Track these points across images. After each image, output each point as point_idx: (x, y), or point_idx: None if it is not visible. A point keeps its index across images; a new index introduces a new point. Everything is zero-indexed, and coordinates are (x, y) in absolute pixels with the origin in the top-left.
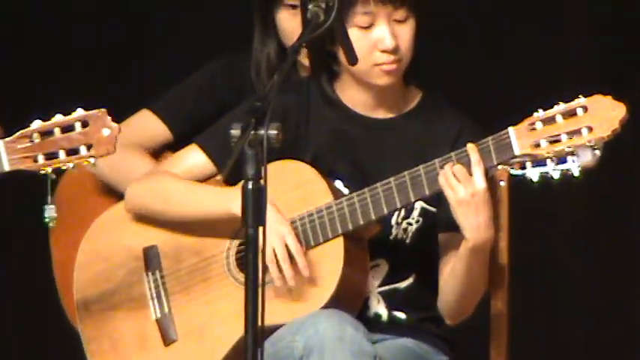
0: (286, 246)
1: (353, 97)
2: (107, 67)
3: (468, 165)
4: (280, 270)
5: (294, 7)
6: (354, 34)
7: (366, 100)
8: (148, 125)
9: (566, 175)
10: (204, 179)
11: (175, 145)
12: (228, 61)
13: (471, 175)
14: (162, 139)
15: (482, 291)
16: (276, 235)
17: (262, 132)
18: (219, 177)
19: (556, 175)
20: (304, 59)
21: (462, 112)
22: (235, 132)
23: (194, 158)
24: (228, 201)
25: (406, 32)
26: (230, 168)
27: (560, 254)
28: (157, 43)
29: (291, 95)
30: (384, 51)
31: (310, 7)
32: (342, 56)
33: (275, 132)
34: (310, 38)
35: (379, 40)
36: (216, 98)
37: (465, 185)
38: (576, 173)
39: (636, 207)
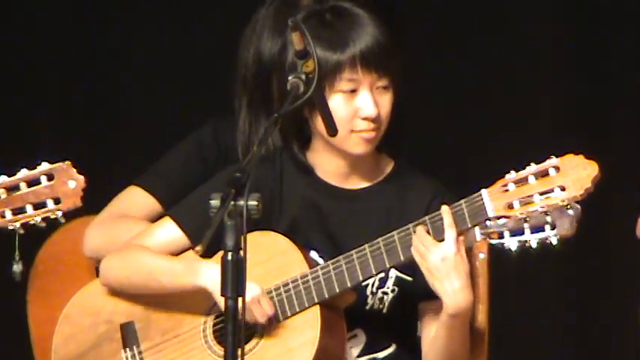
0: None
1: (325, 166)
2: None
3: (442, 229)
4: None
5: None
6: (337, 99)
7: (338, 170)
8: (137, 200)
9: (544, 245)
10: (180, 252)
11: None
12: (213, 128)
13: (442, 240)
14: (154, 213)
15: (466, 358)
16: (250, 296)
17: (242, 203)
18: (198, 248)
19: (534, 245)
20: None
21: (433, 179)
22: (215, 202)
23: (168, 232)
24: (194, 274)
25: (386, 101)
26: (208, 240)
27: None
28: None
29: (264, 167)
30: (365, 118)
31: (290, 78)
32: (320, 127)
33: (255, 203)
34: (290, 109)
35: (362, 108)
36: (203, 167)
37: (432, 251)
38: (554, 242)
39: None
